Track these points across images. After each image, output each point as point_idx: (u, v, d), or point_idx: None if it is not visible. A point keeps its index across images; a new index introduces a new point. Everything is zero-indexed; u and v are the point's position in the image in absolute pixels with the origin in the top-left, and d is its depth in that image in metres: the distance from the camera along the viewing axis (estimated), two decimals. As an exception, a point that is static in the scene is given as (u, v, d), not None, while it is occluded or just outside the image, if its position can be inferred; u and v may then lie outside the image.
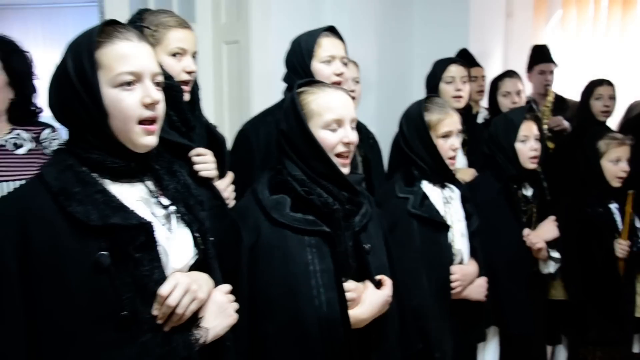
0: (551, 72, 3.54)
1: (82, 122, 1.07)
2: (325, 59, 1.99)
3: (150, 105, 1.08)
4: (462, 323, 1.97)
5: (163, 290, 1.05)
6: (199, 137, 1.68)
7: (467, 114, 2.61)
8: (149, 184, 1.15)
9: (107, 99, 1.05)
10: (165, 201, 1.15)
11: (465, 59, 3.17)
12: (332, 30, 2.04)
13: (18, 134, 1.88)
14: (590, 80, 3.12)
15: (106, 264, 1.01)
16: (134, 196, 1.11)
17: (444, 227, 1.90)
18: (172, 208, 1.16)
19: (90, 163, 1.07)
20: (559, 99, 3.52)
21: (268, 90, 3.02)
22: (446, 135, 1.94)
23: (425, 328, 1.80)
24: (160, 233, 1.10)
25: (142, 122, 1.08)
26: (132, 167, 1.11)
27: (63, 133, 2.07)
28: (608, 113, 3.04)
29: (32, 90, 1.95)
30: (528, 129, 2.23)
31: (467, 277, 1.95)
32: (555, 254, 2.24)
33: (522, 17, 4.83)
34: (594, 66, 4.77)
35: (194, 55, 1.70)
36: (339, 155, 1.50)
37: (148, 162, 1.15)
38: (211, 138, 1.75)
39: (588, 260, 2.37)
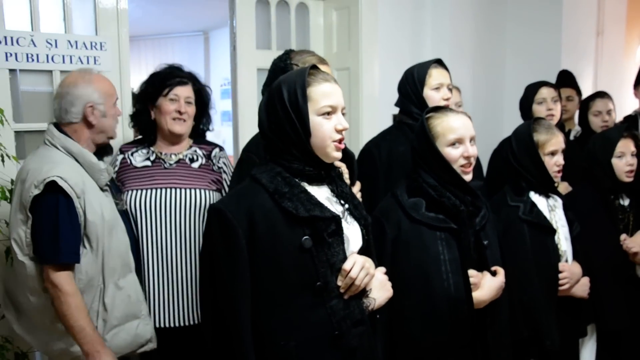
0: None
1: (289, 139, 1.44)
2: (435, 86, 2.29)
3: (341, 131, 1.44)
4: (566, 318, 2.19)
5: (347, 265, 1.41)
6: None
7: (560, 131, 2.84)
8: (330, 187, 1.52)
9: (312, 124, 1.42)
10: (342, 201, 1.51)
11: (567, 79, 3.39)
12: (439, 62, 2.35)
13: (195, 151, 2.29)
14: None
15: (308, 245, 1.38)
16: (322, 196, 1.48)
17: (551, 231, 2.16)
18: (347, 206, 1.52)
19: (292, 170, 1.45)
20: None
21: (375, 111, 3.38)
22: (552, 153, 2.20)
23: (535, 319, 2.06)
24: (343, 224, 1.46)
25: (334, 141, 1.44)
26: (322, 173, 1.48)
27: (228, 151, 2.51)
28: None
29: (209, 118, 2.38)
30: (625, 146, 2.45)
31: (574, 276, 2.19)
32: (652, 259, 2.43)
33: (613, 35, 4.92)
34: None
35: None
36: (462, 166, 1.81)
37: (329, 171, 1.51)
38: (343, 153, 2.11)
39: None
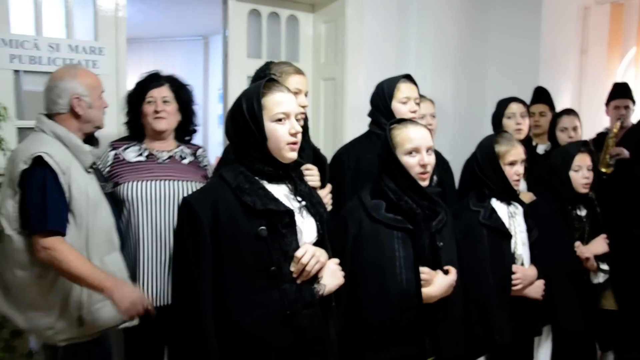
0: (626, 107, 3.81)
1: (249, 143, 1.63)
2: (403, 100, 2.48)
3: (294, 134, 1.63)
4: (521, 318, 2.36)
5: (298, 253, 1.60)
6: (307, 156, 2.21)
7: (527, 145, 3.01)
8: (289, 185, 1.71)
9: (267, 129, 1.62)
10: (299, 198, 1.70)
11: (542, 95, 3.57)
12: (408, 77, 2.54)
13: (182, 149, 2.50)
14: None
15: (264, 235, 1.57)
16: (280, 192, 1.67)
17: (507, 236, 2.33)
18: (303, 203, 1.70)
19: (253, 170, 1.64)
20: (629, 131, 3.71)
21: (358, 121, 3.53)
22: (512, 163, 2.38)
23: (488, 316, 2.23)
24: (297, 218, 1.65)
25: (289, 143, 1.63)
26: (280, 173, 1.67)
27: (209, 153, 2.70)
28: None
29: (193, 114, 2.55)
30: (582, 160, 2.63)
31: (527, 278, 2.35)
32: (604, 266, 2.60)
33: (596, 54, 5.09)
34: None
35: (305, 94, 2.26)
36: (419, 174, 1.99)
37: (288, 171, 1.70)
38: (316, 158, 2.31)
39: (633, 273, 2.70)
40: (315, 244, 1.70)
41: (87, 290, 1.99)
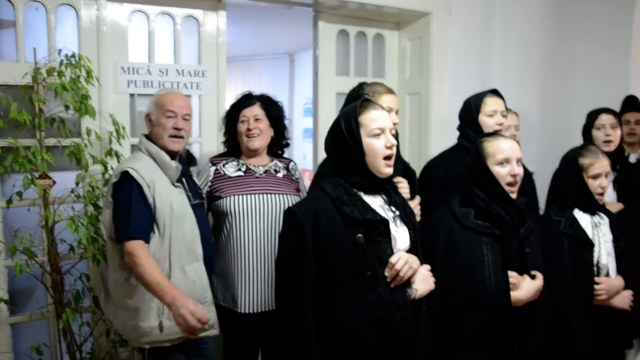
0: None
1: (348, 158, 1.80)
2: (490, 113, 2.57)
3: (390, 147, 1.78)
4: (607, 329, 2.37)
5: (392, 259, 1.74)
6: (397, 170, 2.31)
7: (619, 155, 3.00)
8: (384, 197, 1.86)
9: (365, 144, 1.77)
10: (393, 208, 1.84)
11: (634, 103, 3.51)
12: (494, 92, 2.62)
13: (276, 164, 2.68)
14: None
15: (361, 242, 1.73)
16: (376, 203, 1.82)
17: (589, 245, 2.36)
18: (397, 213, 1.85)
19: (352, 182, 1.80)
20: None
21: (443, 134, 3.63)
22: (595, 176, 2.40)
23: (569, 325, 2.26)
24: (392, 227, 1.79)
25: (385, 158, 1.78)
26: (376, 186, 1.82)
27: (308, 166, 2.88)
28: None
29: (284, 128, 2.73)
30: (676, 169, 2.60)
31: (613, 288, 2.36)
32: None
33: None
34: None
35: (396, 112, 2.40)
36: (509, 184, 2.08)
37: (384, 183, 1.85)
38: (405, 171, 2.43)
39: None
40: (409, 251, 1.84)
41: None
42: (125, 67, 2.87)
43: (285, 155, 2.83)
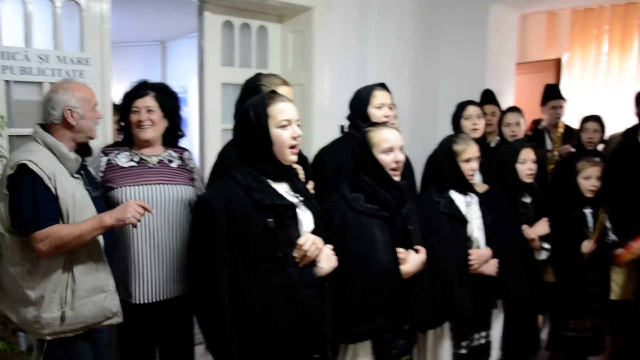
0: (561, 107, 4.31)
1: (256, 147, 1.90)
2: (378, 105, 2.76)
3: (295, 138, 1.91)
4: (480, 292, 2.70)
5: (300, 241, 1.88)
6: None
7: (482, 142, 3.39)
8: (290, 183, 1.98)
9: (273, 134, 1.88)
10: (297, 194, 1.98)
11: (489, 97, 3.97)
12: (382, 85, 2.84)
13: (170, 154, 2.66)
14: (583, 116, 3.88)
15: (272, 226, 1.84)
16: (282, 189, 1.95)
17: (464, 222, 2.68)
18: (301, 198, 1.99)
19: (260, 170, 1.90)
20: (568, 129, 4.24)
21: (325, 122, 3.84)
22: (467, 160, 2.72)
23: (450, 291, 2.56)
24: (298, 211, 1.93)
25: (290, 147, 1.90)
26: (282, 173, 1.95)
27: (194, 156, 2.90)
28: (592, 143, 3.79)
29: (180, 119, 2.71)
30: (526, 154, 3.01)
31: (482, 258, 2.70)
32: (546, 245, 3.01)
33: (534, 58, 5.57)
34: (596, 101, 5.50)
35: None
36: (392, 169, 2.30)
37: (289, 171, 1.98)
38: (299, 157, 2.56)
39: (566, 251, 3.12)
40: (313, 232, 1.98)
41: (71, 286, 2.14)
42: (-2, 52, 2.69)
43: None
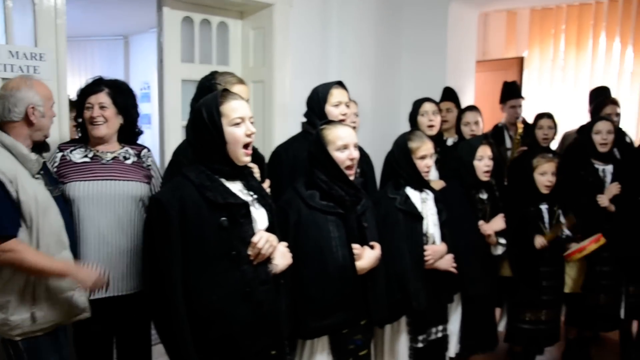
0: (520, 106, 4.42)
1: (209, 146, 1.90)
2: (335, 103, 2.78)
3: (249, 135, 1.91)
4: (435, 287, 2.76)
5: (254, 239, 1.89)
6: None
7: (439, 139, 3.45)
8: (244, 182, 1.99)
9: (226, 133, 1.89)
10: (251, 192, 1.99)
11: (449, 94, 4.03)
12: (340, 83, 2.86)
13: (126, 150, 2.64)
14: (536, 114, 3.97)
15: (225, 224, 1.85)
16: (236, 188, 1.95)
17: (419, 218, 2.72)
18: (255, 196, 1.99)
19: (213, 169, 1.90)
20: (526, 126, 4.28)
21: (286, 120, 3.85)
22: (422, 157, 2.76)
23: (405, 286, 2.60)
24: (252, 209, 1.94)
25: (244, 146, 1.91)
26: (236, 172, 1.95)
27: (154, 153, 2.88)
28: (547, 140, 3.89)
29: (136, 116, 2.69)
30: (483, 151, 3.07)
31: (437, 253, 2.75)
32: (502, 240, 3.08)
33: (494, 56, 5.67)
34: (554, 98, 5.65)
35: (247, 101, 2.52)
36: (347, 167, 2.32)
37: (243, 170, 1.98)
38: (254, 156, 2.57)
39: (522, 246, 3.21)
40: (267, 230, 2.00)
41: (38, 287, 2.15)
42: (-55, 45, 2.62)
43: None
